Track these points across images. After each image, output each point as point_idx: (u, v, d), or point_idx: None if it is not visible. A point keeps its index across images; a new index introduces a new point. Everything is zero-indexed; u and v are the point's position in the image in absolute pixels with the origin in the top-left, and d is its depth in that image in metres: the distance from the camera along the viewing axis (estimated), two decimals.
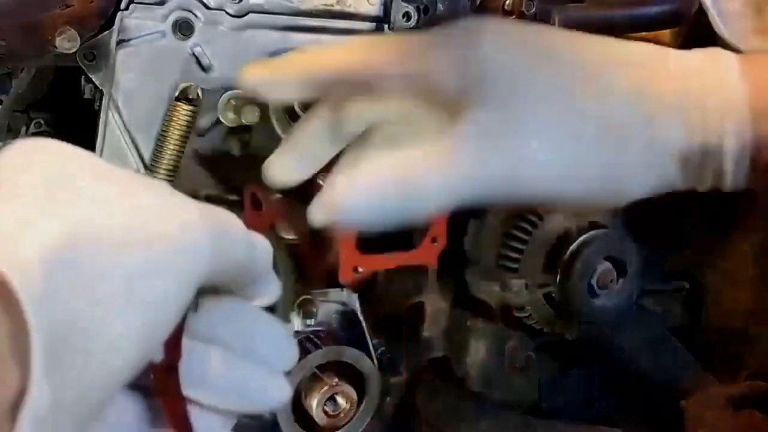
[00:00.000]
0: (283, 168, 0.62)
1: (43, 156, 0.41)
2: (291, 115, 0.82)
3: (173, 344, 0.45)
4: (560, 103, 0.52)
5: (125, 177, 0.42)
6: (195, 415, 0.48)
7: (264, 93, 0.58)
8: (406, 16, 0.91)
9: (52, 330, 0.34)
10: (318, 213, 0.54)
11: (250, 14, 0.84)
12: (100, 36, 0.78)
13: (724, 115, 0.52)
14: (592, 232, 1.04)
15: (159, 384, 0.46)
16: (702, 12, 1.03)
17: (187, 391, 0.47)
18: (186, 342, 0.47)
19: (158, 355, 0.44)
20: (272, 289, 0.51)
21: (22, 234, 0.35)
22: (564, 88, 0.52)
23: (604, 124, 0.52)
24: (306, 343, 0.93)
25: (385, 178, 0.51)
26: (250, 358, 0.48)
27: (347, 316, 0.98)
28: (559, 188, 0.53)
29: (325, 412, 0.92)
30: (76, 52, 0.76)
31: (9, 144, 0.42)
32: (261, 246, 0.48)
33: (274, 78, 0.58)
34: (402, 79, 0.54)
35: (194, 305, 0.47)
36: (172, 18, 0.81)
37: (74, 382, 0.36)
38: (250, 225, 0.46)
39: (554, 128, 0.51)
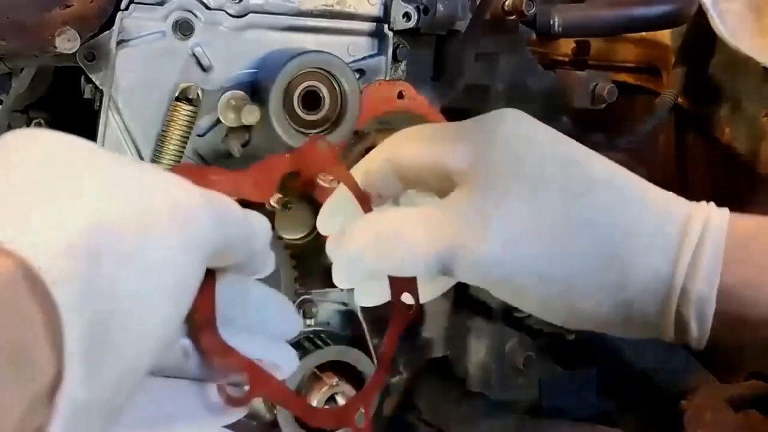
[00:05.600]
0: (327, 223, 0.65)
1: (42, 145, 0.42)
2: (291, 116, 0.83)
3: (206, 301, 0.48)
4: (525, 203, 0.54)
5: (127, 163, 0.44)
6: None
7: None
8: (406, 16, 0.91)
9: (83, 320, 0.36)
10: (328, 248, 0.60)
11: (250, 14, 0.84)
12: (100, 36, 0.78)
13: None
14: None
15: (204, 342, 0.48)
16: (702, 13, 1.03)
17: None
18: None
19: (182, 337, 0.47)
20: (269, 264, 0.53)
21: (44, 225, 0.36)
22: (541, 193, 0.54)
23: (577, 243, 0.54)
24: (306, 343, 0.94)
25: (371, 232, 0.56)
26: (262, 333, 0.52)
27: (347, 316, 0.98)
28: (517, 281, 0.55)
29: None
30: (76, 52, 0.76)
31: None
32: (257, 221, 0.51)
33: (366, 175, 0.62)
34: (427, 167, 0.59)
35: None
36: (172, 18, 0.81)
37: (108, 368, 0.38)
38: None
39: (518, 222, 0.54)
